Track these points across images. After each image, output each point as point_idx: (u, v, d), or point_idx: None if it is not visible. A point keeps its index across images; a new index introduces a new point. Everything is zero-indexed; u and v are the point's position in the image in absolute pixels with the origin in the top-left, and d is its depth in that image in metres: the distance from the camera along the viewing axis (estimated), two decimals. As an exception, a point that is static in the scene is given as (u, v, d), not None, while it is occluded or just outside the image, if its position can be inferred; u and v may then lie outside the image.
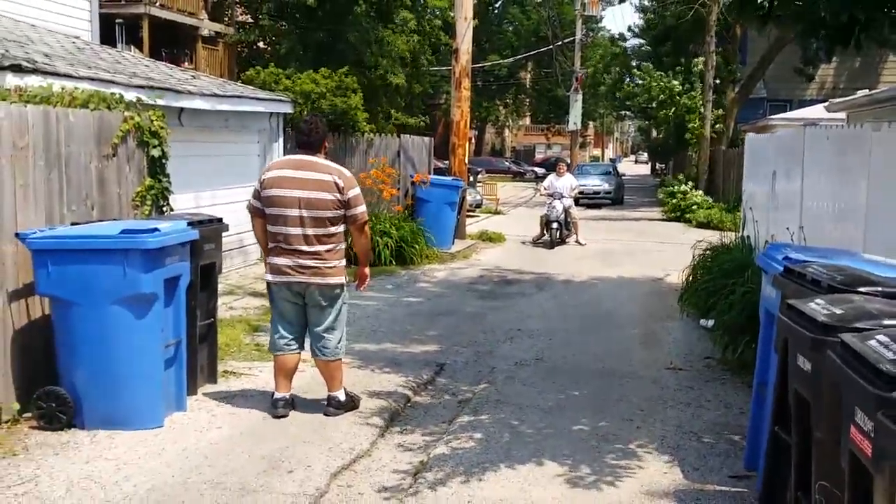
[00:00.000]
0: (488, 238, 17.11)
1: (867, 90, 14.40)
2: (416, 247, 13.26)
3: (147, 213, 6.71)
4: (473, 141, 62.30)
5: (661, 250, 15.86)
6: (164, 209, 6.90)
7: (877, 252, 5.37)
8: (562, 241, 16.22)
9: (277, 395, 5.57)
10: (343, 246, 5.54)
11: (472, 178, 26.94)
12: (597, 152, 74.50)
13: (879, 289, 3.45)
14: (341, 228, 5.47)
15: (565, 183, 16.66)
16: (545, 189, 16.84)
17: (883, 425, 2.29)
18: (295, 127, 5.37)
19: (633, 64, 26.26)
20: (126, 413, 5.13)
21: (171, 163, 7.05)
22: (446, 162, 18.22)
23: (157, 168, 6.84)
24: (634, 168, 76.08)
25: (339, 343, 5.58)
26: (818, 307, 3.17)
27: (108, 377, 5.08)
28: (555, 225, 16.01)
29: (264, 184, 5.44)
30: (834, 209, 6.68)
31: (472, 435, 5.39)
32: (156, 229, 5.11)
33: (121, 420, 5.11)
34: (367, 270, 5.79)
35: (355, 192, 5.44)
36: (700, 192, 22.97)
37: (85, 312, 5.03)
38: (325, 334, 5.50)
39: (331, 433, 5.24)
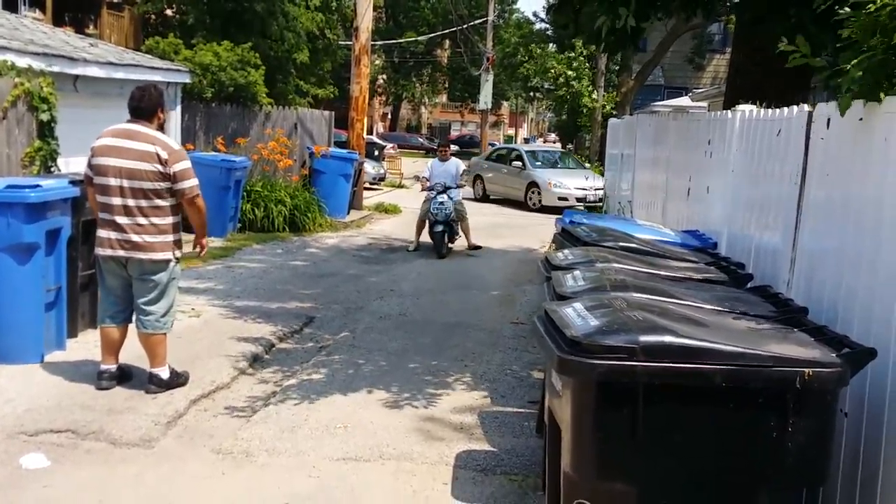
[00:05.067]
0: (384, 210, 17.90)
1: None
2: (310, 215, 13.97)
3: (36, 172, 7.27)
4: (389, 117, 63.02)
5: (545, 224, 16.88)
6: (53, 169, 7.46)
7: (669, 221, 6.41)
8: (448, 249, 12.21)
9: (102, 367, 5.50)
10: (171, 220, 5.36)
11: (377, 152, 27.70)
12: (511, 132, 75.83)
13: (620, 243, 4.39)
14: (169, 202, 5.32)
15: (449, 169, 12.63)
16: (425, 178, 12.79)
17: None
18: (131, 94, 5.69)
19: (533, 46, 27.14)
20: (8, 348, 5.75)
21: (66, 128, 7.55)
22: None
23: (45, 131, 7.41)
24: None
25: (162, 317, 5.44)
26: (561, 254, 4.08)
27: (-8, 316, 5.70)
28: (439, 227, 12.02)
29: (93, 151, 5.35)
30: (651, 185, 7.72)
31: (322, 371, 6.22)
32: (38, 185, 5.72)
33: (3, 354, 5.73)
34: (204, 241, 5.74)
35: (182, 165, 5.29)
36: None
37: (-29, 258, 5.63)
38: (146, 307, 5.39)
39: (196, 371, 5.95)
